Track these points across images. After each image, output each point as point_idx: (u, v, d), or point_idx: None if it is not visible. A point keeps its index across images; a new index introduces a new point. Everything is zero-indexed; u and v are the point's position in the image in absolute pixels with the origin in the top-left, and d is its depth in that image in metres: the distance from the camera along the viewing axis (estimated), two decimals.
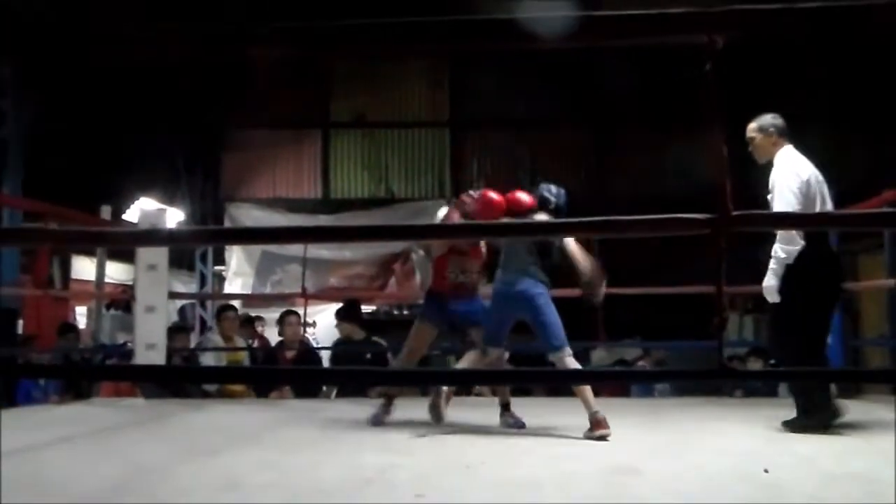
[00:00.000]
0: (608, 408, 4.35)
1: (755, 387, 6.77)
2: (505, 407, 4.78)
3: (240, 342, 7.38)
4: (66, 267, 9.80)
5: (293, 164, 11.07)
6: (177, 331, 7.41)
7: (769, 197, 4.31)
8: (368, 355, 6.88)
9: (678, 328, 7.59)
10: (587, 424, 4.25)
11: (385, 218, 10.10)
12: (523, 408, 4.87)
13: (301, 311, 7.72)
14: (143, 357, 5.93)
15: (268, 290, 10.42)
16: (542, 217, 4.52)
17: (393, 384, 4.77)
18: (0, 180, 7.90)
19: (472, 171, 10.87)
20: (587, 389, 4.28)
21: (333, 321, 7.39)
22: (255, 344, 7.90)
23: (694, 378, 2.27)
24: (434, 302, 4.89)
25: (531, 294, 4.49)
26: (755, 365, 6.87)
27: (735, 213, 1.96)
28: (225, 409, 5.80)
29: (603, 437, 4.18)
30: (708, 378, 2.08)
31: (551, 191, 4.70)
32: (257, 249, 10.58)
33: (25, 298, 8.06)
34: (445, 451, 3.82)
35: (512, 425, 4.67)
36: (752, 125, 4.49)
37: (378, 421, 4.79)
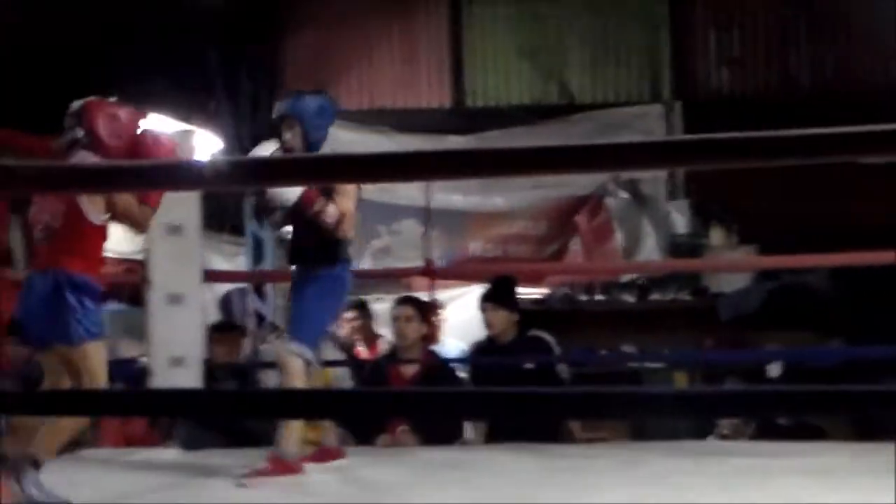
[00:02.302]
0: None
1: None
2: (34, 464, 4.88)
3: None
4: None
5: (403, 55, 11.07)
6: (221, 332, 7.67)
7: None
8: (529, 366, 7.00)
9: None
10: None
11: (559, 137, 9.95)
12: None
13: (424, 298, 7.78)
14: (165, 378, 6.11)
15: (368, 263, 10.31)
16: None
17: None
18: None
19: (709, 55, 10.71)
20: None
21: (472, 315, 7.53)
22: (362, 352, 8.03)
23: None
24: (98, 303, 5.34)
25: None
26: None
27: None
28: (310, 465, 5.70)
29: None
30: None
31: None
32: None
33: None
34: None
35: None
36: None
37: None
